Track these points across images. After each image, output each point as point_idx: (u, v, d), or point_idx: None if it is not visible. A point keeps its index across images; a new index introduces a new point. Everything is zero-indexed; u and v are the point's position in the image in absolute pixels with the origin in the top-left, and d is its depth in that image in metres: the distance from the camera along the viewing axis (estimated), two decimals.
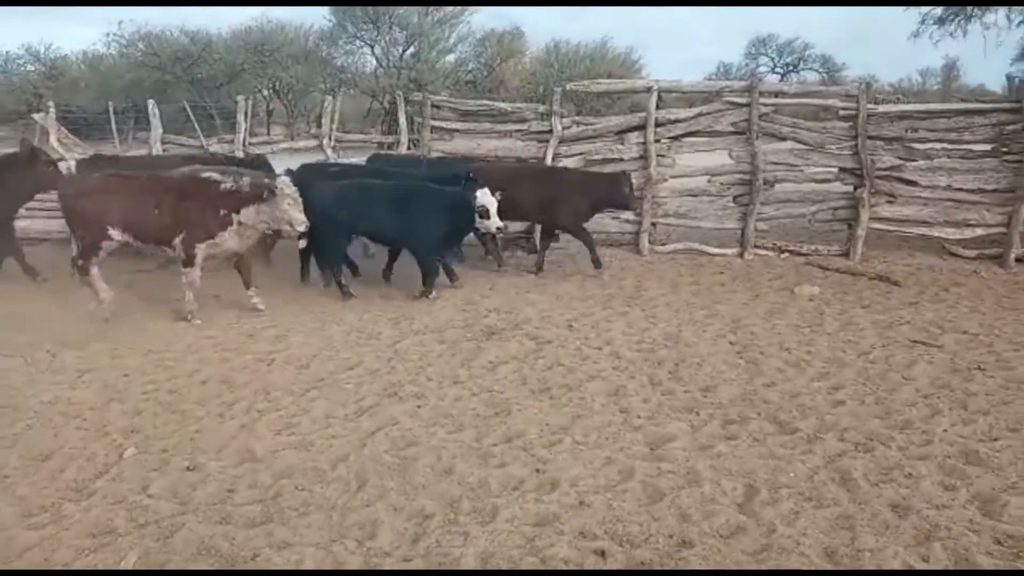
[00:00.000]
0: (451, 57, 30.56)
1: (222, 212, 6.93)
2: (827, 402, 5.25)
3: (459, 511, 3.81)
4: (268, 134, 21.22)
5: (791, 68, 42.46)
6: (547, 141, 10.74)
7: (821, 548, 3.51)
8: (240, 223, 6.98)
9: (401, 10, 27.98)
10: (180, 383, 5.52)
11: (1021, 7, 15.17)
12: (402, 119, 11.62)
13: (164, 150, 11.05)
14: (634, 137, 10.53)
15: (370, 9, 27.53)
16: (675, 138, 10.56)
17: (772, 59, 43.06)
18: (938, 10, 16.65)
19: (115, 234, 7.02)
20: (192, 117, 12.61)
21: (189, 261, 7.06)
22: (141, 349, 6.25)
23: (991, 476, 4.15)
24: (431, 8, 28.50)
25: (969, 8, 15.71)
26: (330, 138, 11.53)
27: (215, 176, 7.13)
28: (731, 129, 10.46)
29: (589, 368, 5.92)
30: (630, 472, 4.20)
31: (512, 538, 3.58)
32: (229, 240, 7.06)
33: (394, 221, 7.75)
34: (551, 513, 3.78)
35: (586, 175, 9.66)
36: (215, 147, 11.30)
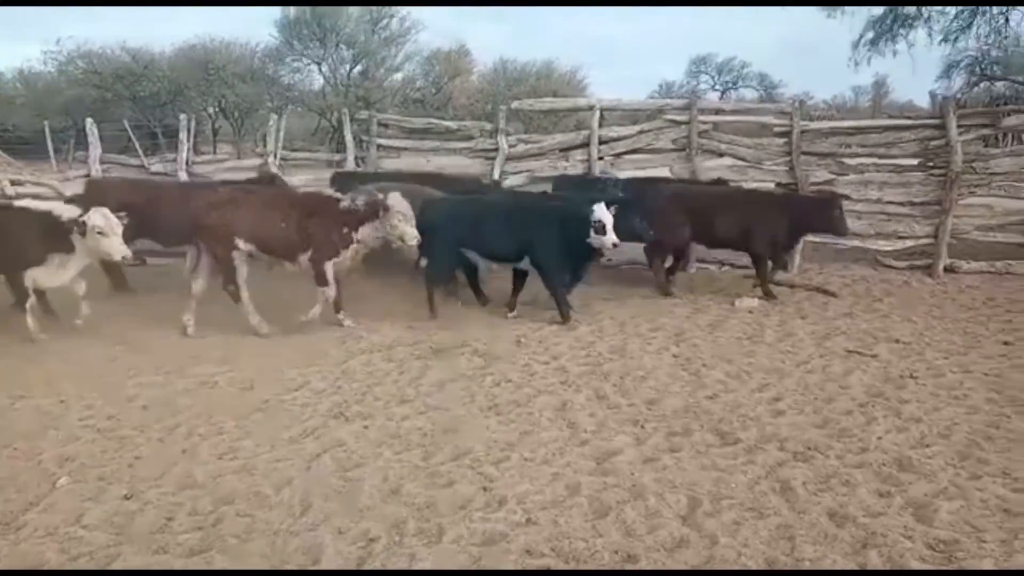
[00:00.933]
0: (399, 75, 30.55)
1: (345, 230, 7.09)
2: (767, 412, 5.36)
3: (405, 532, 3.78)
4: (214, 152, 20.91)
5: (730, 86, 43.59)
6: (494, 158, 10.85)
7: (762, 558, 3.58)
8: (358, 241, 7.13)
9: (348, 28, 27.88)
10: (119, 408, 5.38)
11: (940, 25, 15.90)
12: (348, 137, 11.59)
13: (104, 170, 10.79)
14: (578, 154, 10.70)
15: (316, 27, 27.37)
16: (618, 155, 10.77)
17: (712, 77, 44.11)
18: (870, 33, 17.36)
19: (241, 244, 7.11)
20: (132, 136, 12.33)
21: (321, 279, 7.17)
22: (78, 374, 6.07)
23: (924, 482, 4.28)
24: (378, 26, 28.46)
25: (895, 26, 16.40)
26: (276, 156, 11.42)
27: (335, 194, 7.37)
28: (671, 146, 10.71)
29: (537, 383, 5.95)
30: (576, 487, 4.22)
31: (458, 558, 3.57)
32: (348, 258, 7.21)
33: (509, 237, 7.64)
34: (498, 531, 3.78)
35: (791, 197, 9.41)
36: (157, 167, 11.09)
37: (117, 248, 6.64)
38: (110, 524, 3.87)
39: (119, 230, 6.66)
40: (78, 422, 5.14)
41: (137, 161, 11.37)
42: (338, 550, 3.63)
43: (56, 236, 6.72)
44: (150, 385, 5.85)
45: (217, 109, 29.91)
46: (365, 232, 7.15)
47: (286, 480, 4.30)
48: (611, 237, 7.30)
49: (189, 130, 11.26)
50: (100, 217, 6.59)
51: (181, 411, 5.34)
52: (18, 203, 7.36)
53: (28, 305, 6.92)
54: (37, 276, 6.87)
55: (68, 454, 4.64)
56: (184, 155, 11.10)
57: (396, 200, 7.04)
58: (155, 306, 7.94)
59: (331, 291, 7.25)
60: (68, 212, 6.76)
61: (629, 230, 7.83)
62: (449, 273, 8.26)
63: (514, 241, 7.66)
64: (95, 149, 10.87)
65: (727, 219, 8.80)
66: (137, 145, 12.07)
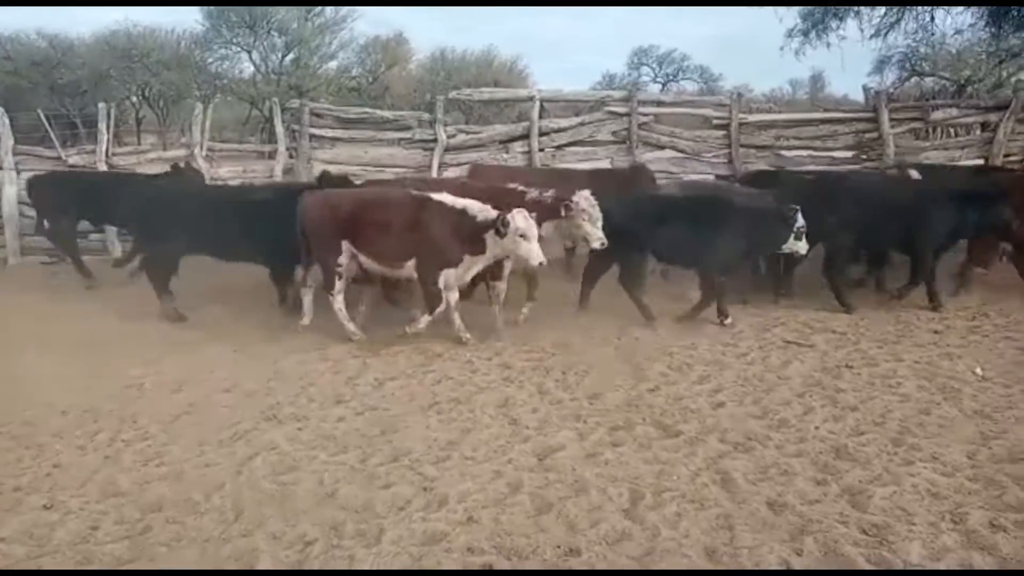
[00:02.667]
0: (333, 64, 29.90)
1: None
2: (708, 404, 5.40)
3: (343, 535, 3.68)
4: (138, 143, 20.15)
5: (671, 78, 43.91)
6: (432, 150, 10.70)
7: (702, 548, 3.59)
8: (540, 236, 6.73)
9: (279, 15, 27.14)
10: (37, 414, 5.12)
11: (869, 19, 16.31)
12: (279, 127, 11.25)
13: (16, 162, 10.25)
14: (518, 146, 10.64)
15: (246, 13, 26.55)
16: (559, 147, 10.75)
17: (653, 69, 44.42)
18: (801, 23, 17.72)
19: None
20: (48, 126, 11.68)
21: (497, 275, 6.90)
22: None
23: (859, 469, 4.36)
24: (311, 13, 27.79)
25: (827, 19, 16.77)
26: (202, 147, 11.00)
27: (520, 187, 7.08)
28: (612, 138, 10.74)
29: (479, 380, 5.89)
30: (518, 484, 4.17)
31: (398, 559, 3.49)
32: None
33: (693, 235, 7.18)
34: (438, 531, 3.71)
35: None
36: (75, 158, 10.58)
37: (535, 254, 6.27)
38: (29, 536, 3.68)
39: (536, 233, 6.32)
40: None
41: (53, 152, 10.82)
42: (274, 555, 3.52)
43: (471, 236, 6.41)
44: (70, 389, 5.57)
45: (141, 97, 28.83)
46: (547, 228, 6.84)
47: (217, 485, 4.14)
48: (804, 244, 7.15)
49: (109, 119, 10.78)
50: (524, 219, 6.21)
51: (103, 416, 5.11)
52: (435, 197, 6.81)
53: (439, 311, 6.63)
54: (448, 279, 6.57)
55: None
56: (104, 146, 10.62)
57: (582, 199, 6.78)
58: (80, 304, 7.59)
59: (502, 285, 7.03)
60: (484, 212, 6.40)
61: (987, 225, 7.67)
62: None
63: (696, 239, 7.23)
64: (7, 140, 10.33)
65: None
66: (53, 136, 11.45)
